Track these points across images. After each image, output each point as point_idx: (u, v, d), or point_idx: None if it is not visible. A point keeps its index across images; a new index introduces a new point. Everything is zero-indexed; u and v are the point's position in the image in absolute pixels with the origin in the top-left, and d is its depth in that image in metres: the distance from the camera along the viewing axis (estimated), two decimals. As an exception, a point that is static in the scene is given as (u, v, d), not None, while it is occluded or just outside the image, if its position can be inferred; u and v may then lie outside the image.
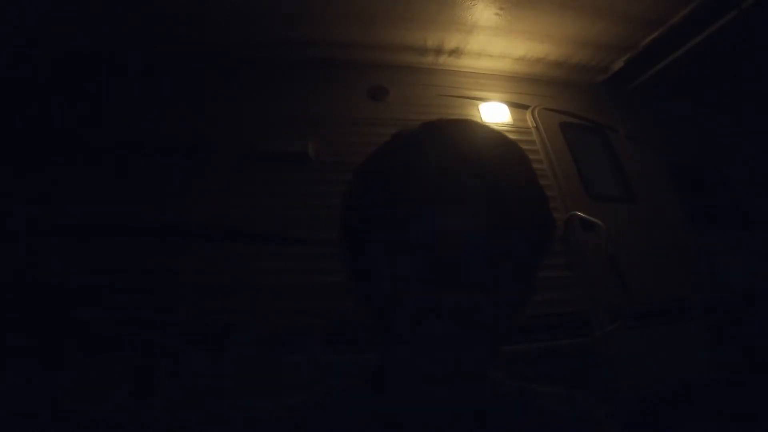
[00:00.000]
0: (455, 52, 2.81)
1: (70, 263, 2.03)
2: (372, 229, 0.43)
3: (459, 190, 0.39)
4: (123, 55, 2.50)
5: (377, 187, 0.44)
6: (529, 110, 2.92)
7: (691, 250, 2.76)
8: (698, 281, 2.61)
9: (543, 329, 2.16)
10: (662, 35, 2.63)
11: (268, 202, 2.28)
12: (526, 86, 3.04)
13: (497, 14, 2.47)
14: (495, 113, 2.87)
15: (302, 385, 0.51)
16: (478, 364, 0.42)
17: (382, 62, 2.81)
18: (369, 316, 0.45)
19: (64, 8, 2.16)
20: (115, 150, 2.32)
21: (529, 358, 2.03)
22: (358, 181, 0.48)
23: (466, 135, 0.45)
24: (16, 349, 1.81)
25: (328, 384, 0.51)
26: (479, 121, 0.43)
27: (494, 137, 0.46)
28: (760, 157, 3.51)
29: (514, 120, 2.88)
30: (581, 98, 3.13)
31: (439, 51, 2.80)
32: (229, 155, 2.41)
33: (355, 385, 0.51)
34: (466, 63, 2.91)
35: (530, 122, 2.88)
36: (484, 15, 2.47)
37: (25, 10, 2.12)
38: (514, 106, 2.93)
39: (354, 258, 0.47)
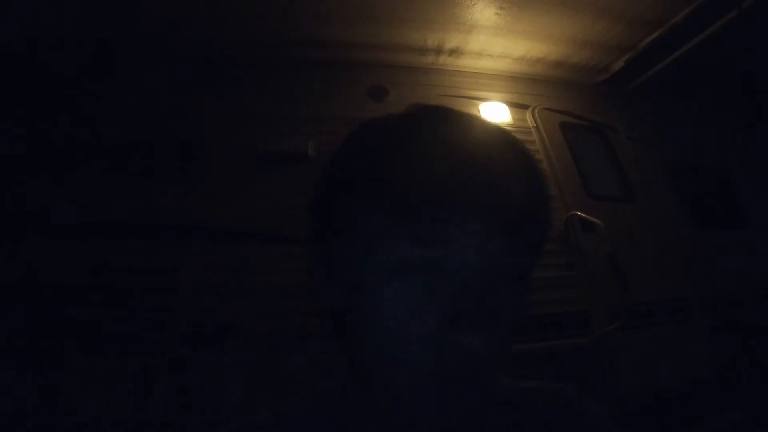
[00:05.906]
0: (455, 52, 2.81)
1: (70, 263, 2.03)
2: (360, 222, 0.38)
3: (465, 197, 0.35)
4: (124, 56, 2.50)
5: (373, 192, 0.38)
6: (529, 110, 2.92)
7: (691, 250, 2.76)
8: (698, 281, 2.61)
9: (543, 329, 2.16)
10: (662, 35, 2.62)
11: (268, 202, 2.28)
12: (526, 86, 3.04)
13: (497, 14, 2.46)
14: (495, 113, 2.87)
15: (302, 385, 0.50)
16: (487, 362, 0.38)
17: (382, 62, 2.80)
18: (343, 311, 0.42)
19: (64, 9, 2.16)
20: (114, 150, 2.32)
21: (529, 358, 2.04)
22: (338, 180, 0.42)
23: (464, 130, 0.41)
24: (16, 349, 1.81)
25: (298, 394, 0.48)
26: (475, 114, 0.41)
27: (497, 135, 0.43)
28: (760, 157, 3.51)
29: (514, 120, 2.88)
30: (581, 98, 3.12)
31: (439, 51, 2.79)
32: (229, 155, 2.41)
33: (327, 392, 0.48)
34: (466, 63, 2.91)
35: (530, 122, 2.88)
36: (484, 15, 2.47)
37: (23, 8, 2.12)
38: (514, 106, 2.93)
39: (328, 249, 0.44)
